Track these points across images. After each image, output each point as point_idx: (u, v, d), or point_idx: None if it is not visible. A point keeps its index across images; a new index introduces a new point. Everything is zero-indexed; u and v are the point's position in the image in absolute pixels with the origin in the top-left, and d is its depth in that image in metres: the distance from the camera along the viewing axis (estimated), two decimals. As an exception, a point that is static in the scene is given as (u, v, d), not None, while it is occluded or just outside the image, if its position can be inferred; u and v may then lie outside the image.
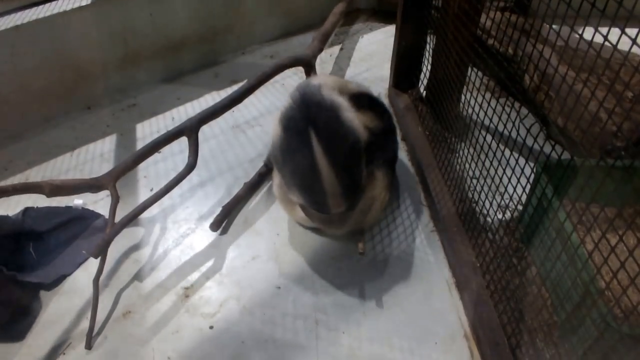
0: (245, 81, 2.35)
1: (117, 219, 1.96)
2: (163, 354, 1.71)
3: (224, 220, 2.16)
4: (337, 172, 1.75)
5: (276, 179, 2.06)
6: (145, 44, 3.05)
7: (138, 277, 1.97)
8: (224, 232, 2.14)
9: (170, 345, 1.73)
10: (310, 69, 2.66)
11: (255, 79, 2.35)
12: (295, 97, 1.86)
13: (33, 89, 2.72)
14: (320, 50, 2.83)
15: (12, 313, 1.82)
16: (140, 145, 2.63)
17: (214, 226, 2.12)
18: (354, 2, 3.97)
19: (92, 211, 2.23)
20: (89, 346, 1.72)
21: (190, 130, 2.12)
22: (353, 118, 1.83)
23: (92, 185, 1.98)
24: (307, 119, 1.77)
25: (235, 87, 2.83)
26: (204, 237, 2.13)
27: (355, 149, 1.80)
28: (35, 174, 2.49)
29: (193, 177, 2.39)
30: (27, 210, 2.15)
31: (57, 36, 2.68)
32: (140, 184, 2.39)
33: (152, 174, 2.44)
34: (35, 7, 2.68)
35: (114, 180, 2.01)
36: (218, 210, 2.19)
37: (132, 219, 1.94)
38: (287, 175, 1.86)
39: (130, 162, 2.05)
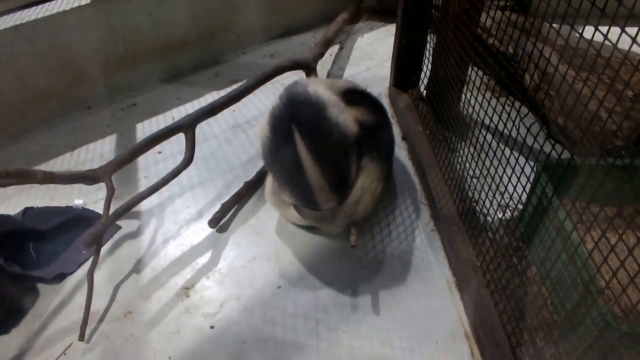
0: (244, 81, 2.35)
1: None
2: (164, 354, 1.71)
3: (222, 218, 2.17)
4: (321, 167, 1.76)
5: (267, 186, 2.08)
6: (145, 44, 3.05)
7: (139, 277, 1.97)
8: (224, 230, 2.14)
9: (171, 345, 1.74)
10: (310, 72, 2.67)
11: (254, 79, 2.36)
12: (282, 96, 1.89)
13: (33, 89, 2.72)
14: (322, 55, 2.85)
15: (8, 309, 1.83)
16: (140, 145, 2.64)
17: (213, 223, 2.12)
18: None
19: (93, 211, 2.23)
20: (82, 338, 1.73)
21: (187, 126, 2.13)
22: (340, 113, 1.84)
23: (87, 177, 1.99)
24: (291, 117, 1.79)
25: (235, 87, 2.84)
26: (204, 237, 2.13)
27: (340, 143, 1.82)
28: (35, 174, 2.49)
29: (194, 176, 2.39)
30: (27, 210, 2.15)
31: (57, 36, 2.68)
32: (140, 184, 2.39)
33: (152, 174, 2.44)
34: (35, 7, 2.68)
35: (110, 172, 2.02)
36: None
37: (126, 209, 1.97)
38: (276, 174, 1.88)
39: (127, 155, 2.05)
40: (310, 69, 2.67)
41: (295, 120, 1.78)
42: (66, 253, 2.05)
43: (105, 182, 2.01)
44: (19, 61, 2.60)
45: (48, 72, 2.73)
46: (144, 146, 2.07)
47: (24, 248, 2.02)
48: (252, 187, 2.32)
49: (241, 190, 2.27)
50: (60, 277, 1.96)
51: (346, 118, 1.85)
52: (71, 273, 1.99)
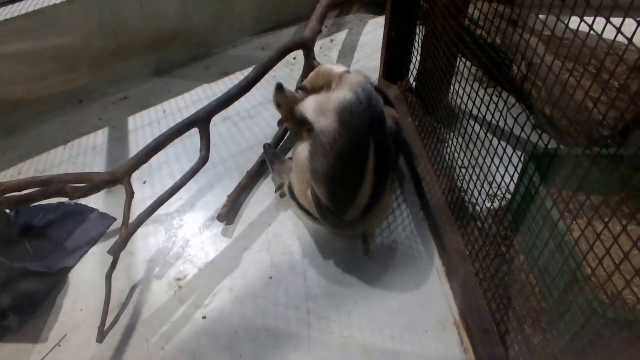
0: (253, 68, 2.32)
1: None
2: (157, 345, 1.72)
3: (230, 211, 2.18)
4: (374, 189, 1.76)
5: (302, 152, 1.91)
6: (136, 37, 3.05)
7: (131, 269, 1.99)
8: (216, 222, 2.14)
9: (164, 336, 1.75)
10: (310, 52, 2.66)
11: (261, 66, 2.32)
12: (360, 96, 1.75)
13: (24, 83, 2.72)
14: (319, 31, 2.78)
15: (21, 302, 1.84)
16: (132, 138, 2.65)
17: (222, 217, 2.14)
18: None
19: (85, 206, 2.24)
20: (101, 340, 1.74)
21: (202, 121, 2.10)
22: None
23: (109, 181, 1.88)
24: (371, 130, 1.72)
25: (226, 80, 2.84)
26: (196, 228, 2.14)
27: (392, 164, 1.82)
28: (28, 168, 2.49)
29: (186, 168, 2.38)
30: (19, 209, 2.14)
31: (48, 30, 2.67)
32: (133, 176, 2.38)
33: (144, 166, 2.43)
34: (25, 1, 2.67)
35: (129, 174, 1.96)
36: (212, 201, 2.21)
37: (149, 215, 1.92)
38: (324, 168, 1.74)
39: (143, 155, 1.97)
40: (310, 49, 2.66)
41: (374, 135, 1.72)
42: (64, 247, 2.06)
43: (124, 186, 1.94)
44: (10, 55, 2.60)
45: (39, 65, 2.73)
46: (159, 144, 2.00)
47: (20, 245, 2.02)
48: (255, 177, 2.35)
49: (244, 181, 2.30)
50: (64, 271, 1.98)
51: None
52: (72, 267, 2.01)
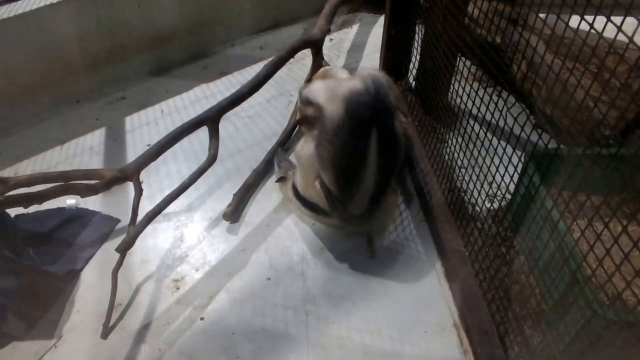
0: (263, 67, 2.30)
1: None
2: (154, 346, 1.71)
3: (235, 209, 2.17)
4: (380, 177, 1.76)
5: (306, 147, 1.93)
6: (134, 36, 3.04)
7: (128, 269, 1.97)
8: (214, 223, 2.14)
9: (161, 337, 1.74)
10: (319, 51, 2.65)
11: (271, 65, 2.31)
12: (369, 86, 1.75)
13: (21, 83, 2.70)
14: (328, 30, 2.76)
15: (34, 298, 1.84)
16: (129, 138, 2.64)
17: (227, 216, 2.13)
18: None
19: (87, 209, 2.22)
20: (105, 336, 1.73)
21: (211, 119, 2.07)
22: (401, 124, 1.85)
23: (119, 178, 1.86)
24: (374, 118, 1.72)
25: (224, 79, 2.83)
26: (193, 229, 2.13)
27: (400, 159, 1.81)
28: (24, 168, 2.48)
29: (183, 169, 2.39)
30: (18, 217, 2.12)
31: (45, 29, 2.66)
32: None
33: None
34: (22, 0, 2.66)
35: (139, 172, 1.93)
36: (210, 201, 2.20)
37: (157, 213, 1.91)
38: (329, 153, 1.76)
39: (152, 153, 1.93)
40: (318, 47, 2.66)
41: (378, 123, 1.72)
42: (71, 250, 2.05)
43: (133, 183, 1.91)
44: (7, 55, 2.58)
45: (36, 65, 2.72)
46: (168, 142, 1.96)
47: (24, 253, 1.99)
48: (261, 175, 2.36)
49: (250, 180, 2.30)
50: (72, 273, 1.96)
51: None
52: (80, 269, 1.99)
